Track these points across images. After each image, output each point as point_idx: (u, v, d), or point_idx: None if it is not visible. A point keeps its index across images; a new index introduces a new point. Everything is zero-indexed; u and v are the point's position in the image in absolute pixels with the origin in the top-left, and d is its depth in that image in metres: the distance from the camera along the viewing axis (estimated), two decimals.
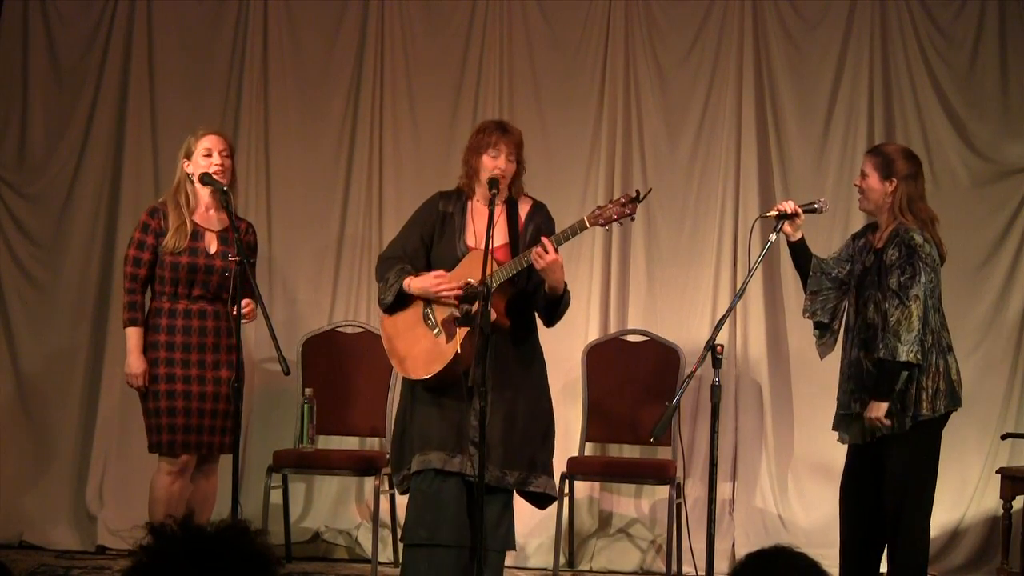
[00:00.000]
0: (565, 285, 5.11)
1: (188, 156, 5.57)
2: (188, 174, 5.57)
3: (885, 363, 5.09)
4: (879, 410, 5.10)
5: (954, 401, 5.22)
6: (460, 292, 5.05)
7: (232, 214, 5.50)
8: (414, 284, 5.13)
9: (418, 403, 5.17)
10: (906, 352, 5.05)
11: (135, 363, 5.53)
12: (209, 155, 5.55)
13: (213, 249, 5.55)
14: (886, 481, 5.21)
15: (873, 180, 5.25)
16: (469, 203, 5.25)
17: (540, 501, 5.25)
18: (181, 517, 2.33)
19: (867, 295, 5.23)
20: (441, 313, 5.12)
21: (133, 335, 5.55)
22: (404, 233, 5.33)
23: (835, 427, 5.40)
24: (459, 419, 5.04)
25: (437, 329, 5.11)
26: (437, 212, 5.25)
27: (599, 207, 5.09)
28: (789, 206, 5.20)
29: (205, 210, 5.60)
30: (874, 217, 5.35)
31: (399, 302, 5.18)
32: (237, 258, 5.37)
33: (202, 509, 5.57)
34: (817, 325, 5.39)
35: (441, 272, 5.11)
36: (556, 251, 4.97)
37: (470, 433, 5.00)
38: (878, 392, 5.12)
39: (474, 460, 4.96)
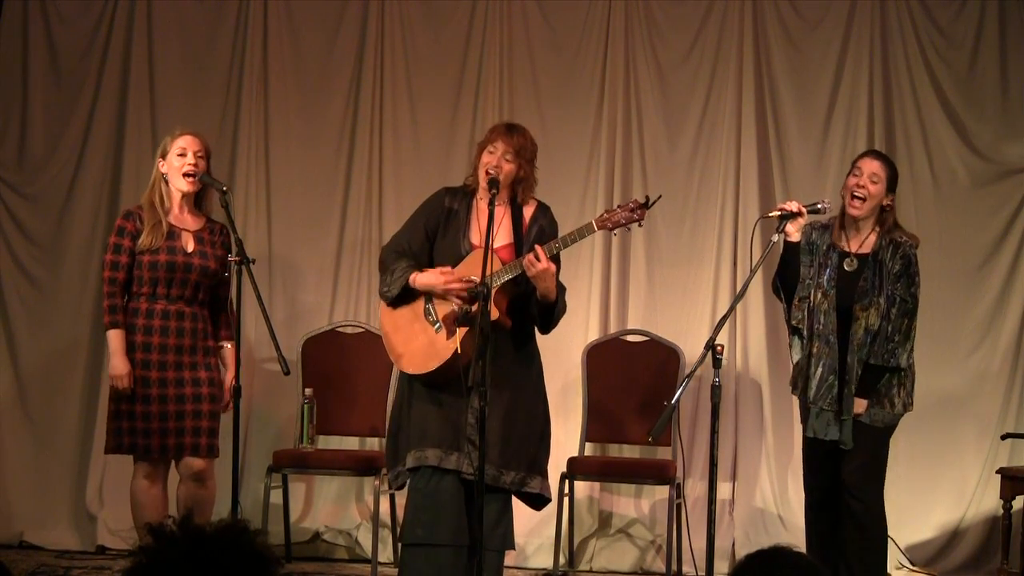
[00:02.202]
0: (563, 293, 5.11)
1: (163, 156, 5.54)
2: (163, 174, 5.55)
3: (884, 370, 5.30)
4: (861, 407, 5.34)
5: (912, 401, 5.46)
6: (466, 287, 5.03)
7: (231, 215, 5.51)
8: (419, 279, 5.12)
9: (415, 399, 5.16)
10: (905, 360, 5.31)
11: (120, 365, 5.49)
12: (183, 155, 5.52)
13: (191, 248, 5.54)
14: (853, 469, 5.36)
15: (882, 188, 5.36)
16: (475, 201, 5.25)
17: (536, 502, 5.25)
18: (180, 517, 2.33)
19: (866, 301, 5.28)
20: (442, 309, 5.12)
21: (115, 337, 5.51)
22: (408, 226, 5.31)
23: (807, 426, 5.46)
24: (456, 417, 5.04)
25: (438, 324, 5.10)
26: (443, 208, 5.25)
27: (607, 211, 5.09)
28: (793, 205, 5.23)
29: (179, 211, 5.58)
30: (856, 217, 5.38)
31: (401, 296, 5.17)
32: (237, 258, 5.37)
33: (197, 515, 5.51)
34: (795, 331, 5.45)
35: (448, 268, 5.10)
36: (555, 258, 4.98)
37: (467, 431, 5.00)
38: (869, 393, 5.33)
39: (471, 458, 4.97)
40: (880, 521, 5.44)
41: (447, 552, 5.01)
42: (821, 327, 5.36)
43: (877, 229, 5.35)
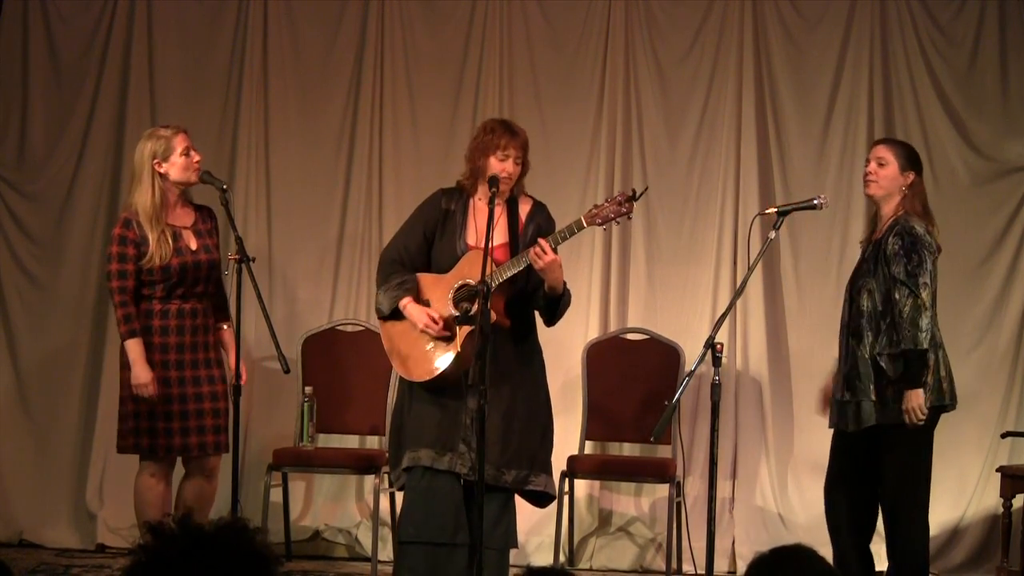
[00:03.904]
0: (564, 284, 5.11)
1: (163, 157, 5.51)
2: (161, 174, 5.53)
3: (911, 353, 5.14)
4: (917, 398, 5.13)
5: (940, 397, 5.24)
6: (446, 335, 5.05)
7: (231, 215, 5.52)
8: (409, 308, 5.13)
9: (414, 400, 5.18)
10: (925, 339, 5.13)
11: (143, 373, 5.47)
12: (188, 154, 5.53)
13: (195, 245, 5.55)
14: (883, 476, 5.25)
15: (892, 169, 5.31)
16: (471, 201, 5.25)
17: (540, 500, 5.26)
18: (180, 516, 2.33)
19: (860, 284, 5.27)
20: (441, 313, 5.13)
21: (135, 347, 5.49)
22: (405, 230, 5.33)
23: (831, 423, 5.44)
24: (453, 417, 5.05)
25: None
26: (439, 209, 5.25)
27: (596, 206, 5.08)
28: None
29: (174, 208, 5.59)
30: (877, 203, 5.37)
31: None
32: (236, 256, 5.37)
33: (200, 510, 5.54)
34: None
35: (435, 315, 5.09)
36: (554, 251, 4.97)
37: (462, 432, 5.01)
38: (911, 382, 5.14)
39: (465, 458, 4.98)
40: (911, 531, 5.25)
41: (440, 550, 5.02)
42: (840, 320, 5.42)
43: (898, 214, 5.31)
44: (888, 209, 5.33)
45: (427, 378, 5.11)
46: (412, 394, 5.20)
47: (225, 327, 5.64)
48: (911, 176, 5.32)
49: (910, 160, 5.34)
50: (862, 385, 5.22)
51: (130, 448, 5.55)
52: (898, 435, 5.20)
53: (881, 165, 5.31)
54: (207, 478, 5.63)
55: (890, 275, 5.19)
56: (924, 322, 5.14)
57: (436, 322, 5.07)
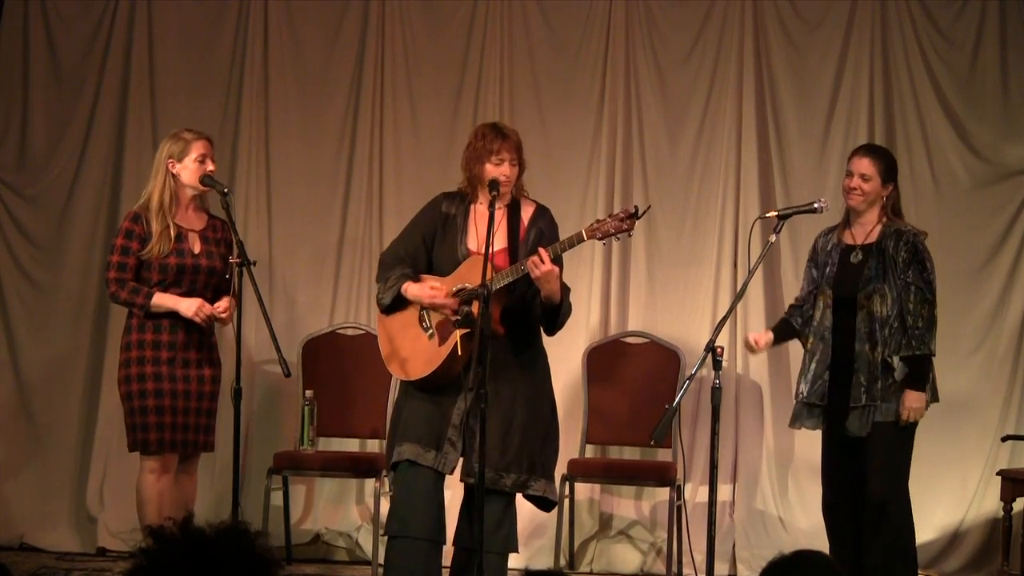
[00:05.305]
0: (567, 294, 5.11)
1: (178, 158, 5.55)
2: (174, 175, 5.56)
3: (922, 358, 5.35)
4: (920, 400, 5.36)
5: (934, 396, 5.48)
6: (455, 304, 5.05)
7: (232, 218, 5.52)
8: (410, 290, 5.14)
9: (409, 400, 5.20)
10: (935, 345, 5.39)
11: (188, 306, 5.48)
12: (203, 161, 5.56)
13: (197, 249, 5.57)
14: (869, 473, 5.37)
15: (875, 184, 5.47)
16: (472, 206, 5.25)
17: (543, 504, 5.25)
18: (180, 519, 2.33)
19: (869, 289, 5.36)
20: (437, 316, 5.13)
21: (164, 299, 5.49)
22: (406, 233, 5.34)
23: (796, 421, 5.58)
24: (442, 415, 5.07)
25: (431, 331, 5.12)
26: (440, 213, 5.26)
27: (598, 220, 5.09)
28: (751, 337, 5.62)
29: (185, 210, 5.61)
30: (856, 212, 5.51)
31: (397, 303, 5.19)
32: (237, 259, 5.38)
33: (184, 507, 5.56)
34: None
35: (437, 284, 5.10)
36: (553, 261, 4.97)
37: (450, 432, 5.01)
38: (917, 384, 5.35)
39: (451, 458, 5.03)
40: (901, 523, 5.40)
41: (422, 545, 5.04)
42: (817, 324, 5.50)
43: (884, 220, 5.45)
44: (870, 216, 5.48)
45: (416, 378, 5.11)
46: (408, 394, 5.22)
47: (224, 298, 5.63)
48: (890, 187, 5.49)
49: (890, 172, 5.50)
50: (879, 389, 5.36)
51: (130, 444, 5.59)
52: (886, 433, 5.34)
53: (865, 180, 5.45)
54: (189, 475, 5.68)
55: (903, 281, 5.35)
56: (935, 329, 5.38)
57: (439, 290, 5.08)
